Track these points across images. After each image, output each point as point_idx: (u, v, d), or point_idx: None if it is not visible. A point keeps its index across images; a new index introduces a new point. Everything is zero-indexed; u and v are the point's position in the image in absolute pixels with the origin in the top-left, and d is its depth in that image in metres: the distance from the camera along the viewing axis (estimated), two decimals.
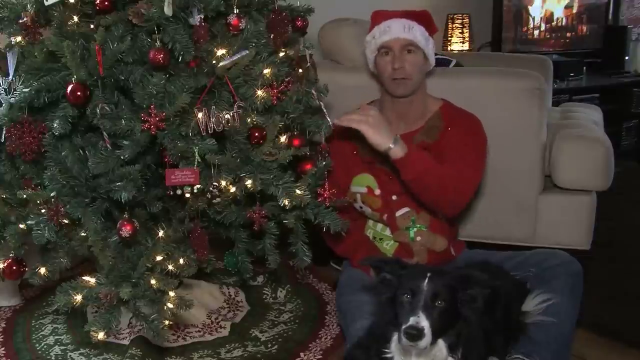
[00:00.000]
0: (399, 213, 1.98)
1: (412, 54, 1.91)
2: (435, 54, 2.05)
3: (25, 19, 1.58)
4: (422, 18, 1.94)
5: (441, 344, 1.43)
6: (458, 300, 1.43)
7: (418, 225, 1.97)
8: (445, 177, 1.81)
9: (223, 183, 1.64)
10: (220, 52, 1.63)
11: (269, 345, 1.99)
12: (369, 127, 1.79)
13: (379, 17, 1.97)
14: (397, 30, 1.90)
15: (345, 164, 2.01)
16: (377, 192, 1.99)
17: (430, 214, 1.97)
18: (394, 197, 1.97)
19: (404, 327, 1.37)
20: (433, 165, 1.81)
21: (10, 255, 1.69)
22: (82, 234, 1.69)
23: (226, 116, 1.60)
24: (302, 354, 1.94)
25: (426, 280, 1.41)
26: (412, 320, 1.36)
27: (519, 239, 2.34)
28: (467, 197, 1.89)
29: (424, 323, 1.36)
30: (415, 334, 1.35)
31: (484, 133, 1.96)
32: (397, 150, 1.78)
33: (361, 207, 2.03)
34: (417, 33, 1.90)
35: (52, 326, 2.12)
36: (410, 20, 1.91)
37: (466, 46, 3.99)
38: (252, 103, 1.69)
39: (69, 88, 1.50)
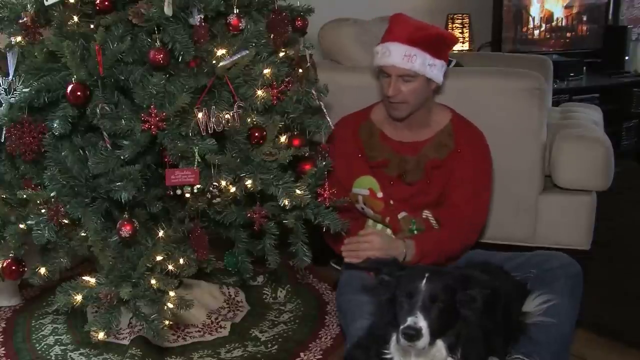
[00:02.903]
0: (400, 215, 1.98)
1: (409, 82, 1.87)
2: None
3: (25, 19, 1.58)
4: (428, 43, 1.85)
5: (440, 344, 1.43)
6: (457, 300, 1.43)
7: (419, 228, 1.97)
8: (456, 246, 1.91)
9: (223, 183, 1.64)
10: (220, 52, 1.63)
11: (269, 345, 1.99)
12: (379, 252, 1.79)
13: (390, 29, 1.92)
14: (396, 57, 1.85)
15: (349, 165, 2.01)
16: (380, 194, 1.99)
17: (425, 220, 1.98)
18: (391, 202, 1.98)
19: (401, 327, 1.37)
20: (443, 247, 1.88)
21: (10, 255, 1.69)
22: (82, 234, 1.69)
23: (226, 116, 1.60)
24: (302, 354, 1.94)
25: (424, 281, 1.42)
26: (409, 321, 1.36)
27: (519, 239, 2.34)
28: (473, 243, 1.99)
29: (422, 323, 1.36)
30: (413, 334, 1.35)
31: (490, 157, 1.99)
32: (410, 256, 1.83)
33: (363, 209, 2.03)
34: (416, 62, 1.84)
35: (52, 326, 2.12)
36: (413, 46, 1.84)
37: (466, 46, 3.99)
38: (252, 103, 1.69)
39: (69, 88, 1.50)
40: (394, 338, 1.46)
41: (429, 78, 1.90)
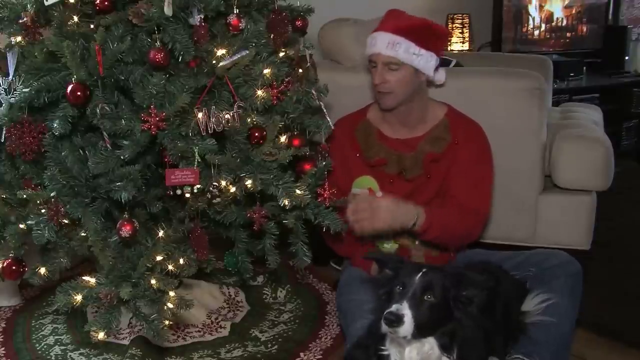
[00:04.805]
0: None
1: (395, 71, 1.88)
2: None
3: (25, 19, 1.58)
4: (413, 32, 1.87)
5: (432, 341, 1.43)
6: (451, 299, 1.43)
7: None
8: (461, 229, 1.89)
9: (223, 183, 1.64)
10: (220, 52, 1.63)
11: (269, 345, 1.99)
12: (389, 221, 1.80)
13: (382, 21, 1.95)
14: (381, 45, 1.88)
15: (347, 166, 2.01)
16: (379, 194, 1.98)
17: None
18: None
19: (385, 312, 1.37)
20: (449, 224, 1.86)
21: (10, 255, 1.69)
22: (82, 234, 1.69)
23: (226, 116, 1.60)
24: (302, 354, 1.94)
25: (419, 274, 1.43)
26: (393, 307, 1.38)
27: (519, 239, 2.34)
28: (477, 234, 1.98)
29: (406, 312, 1.37)
30: (393, 320, 1.36)
31: (489, 148, 1.98)
32: (418, 225, 1.82)
33: None
34: (400, 50, 1.86)
35: (52, 326, 2.12)
36: (398, 35, 1.86)
37: (466, 46, 3.99)
38: (252, 103, 1.69)
39: (69, 88, 1.50)
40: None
41: (417, 69, 1.90)
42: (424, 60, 1.90)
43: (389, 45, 1.86)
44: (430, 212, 1.83)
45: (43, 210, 1.60)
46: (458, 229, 1.88)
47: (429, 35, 1.91)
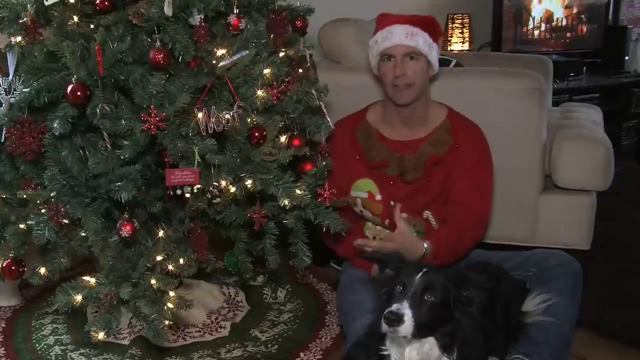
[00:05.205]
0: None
1: (414, 60, 1.89)
2: None
3: (25, 19, 1.58)
4: (426, 24, 1.91)
5: (432, 341, 1.43)
6: (451, 299, 1.43)
7: (416, 231, 1.97)
8: (467, 243, 1.92)
9: (223, 183, 1.64)
10: (220, 52, 1.63)
11: (269, 345, 1.99)
12: (394, 247, 1.84)
13: (383, 21, 1.95)
14: (399, 36, 1.88)
15: (347, 168, 2.00)
16: (378, 197, 1.98)
17: (425, 220, 1.98)
18: (392, 202, 1.97)
19: (385, 312, 1.38)
20: (455, 247, 1.89)
21: (10, 255, 1.69)
22: (82, 234, 1.69)
23: (226, 116, 1.60)
24: (302, 354, 1.94)
25: (420, 274, 1.43)
26: (394, 307, 1.38)
27: (519, 239, 2.34)
28: (480, 237, 2.00)
29: (406, 311, 1.37)
30: (393, 319, 1.36)
31: (489, 150, 1.99)
32: (427, 257, 1.84)
33: (361, 212, 2.02)
34: (419, 40, 1.87)
35: (52, 326, 2.12)
36: (414, 26, 1.88)
37: (466, 46, 3.98)
38: (252, 103, 1.69)
39: (69, 88, 1.50)
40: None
41: (428, 62, 1.93)
42: (435, 53, 1.94)
43: (408, 35, 1.87)
44: (436, 243, 1.85)
45: (43, 210, 1.60)
46: (464, 244, 1.91)
47: (436, 29, 1.96)
